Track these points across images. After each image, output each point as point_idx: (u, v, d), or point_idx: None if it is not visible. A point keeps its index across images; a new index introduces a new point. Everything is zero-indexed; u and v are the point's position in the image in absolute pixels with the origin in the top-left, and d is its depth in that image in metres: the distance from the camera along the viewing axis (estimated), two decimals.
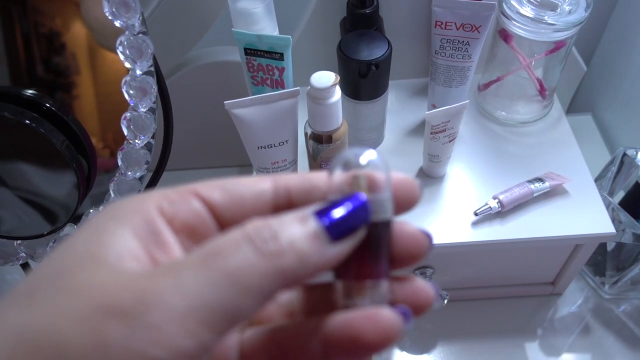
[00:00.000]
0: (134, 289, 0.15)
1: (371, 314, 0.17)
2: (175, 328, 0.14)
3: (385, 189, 0.18)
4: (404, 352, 0.59)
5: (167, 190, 0.18)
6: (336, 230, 0.17)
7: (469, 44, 0.53)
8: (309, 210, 0.17)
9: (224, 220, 0.18)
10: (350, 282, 0.18)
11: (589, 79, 0.76)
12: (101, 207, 0.49)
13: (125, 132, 0.45)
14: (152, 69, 0.45)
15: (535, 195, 0.53)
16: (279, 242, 0.16)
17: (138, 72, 0.44)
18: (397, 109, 0.64)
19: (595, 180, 0.56)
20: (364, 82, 0.51)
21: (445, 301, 0.56)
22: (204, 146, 0.72)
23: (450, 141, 0.52)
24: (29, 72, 0.46)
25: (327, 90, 0.46)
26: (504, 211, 0.52)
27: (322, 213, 0.17)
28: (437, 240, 0.51)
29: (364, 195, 0.18)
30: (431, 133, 0.51)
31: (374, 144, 0.60)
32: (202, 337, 0.15)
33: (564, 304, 0.62)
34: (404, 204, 0.19)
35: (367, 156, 0.19)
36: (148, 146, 0.46)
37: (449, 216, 0.53)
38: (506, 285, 0.61)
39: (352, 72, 0.50)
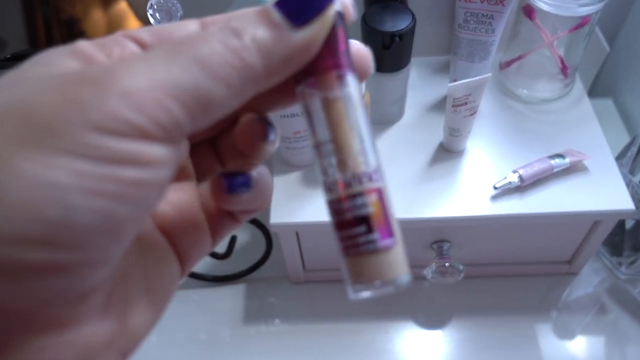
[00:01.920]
0: (101, 66, 0.15)
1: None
2: (147, 95, 0.14)
3: None
4: (418, 325, 0.59)
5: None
6: (299, 15, 0.16)
7: (492, 18, 0.53)
8: (269, 1, 0.16)
9: None
10: (315, 78, 0.17)
11: (612, 60, 0.75)
12: None
13: None
14: None
15: (555, 170, 0.53)
16: (242, 39, 0.15)
17: None
18: (419, 85, 0.64)
19: (616, 160, 0.56)
20: (387, 53, 0.51)
21: (461, 275, 0.57)
22: None
23: (471, 115, 0.52)
24: None
25: None
26: (523, 186, 0.52)
27: (283, 1, 0.16)
28: (457, 213, 0.51)
29: None
30: (453, 106, 0.51)
31: (395, 118, 0.60)
32: (175, 113, 0.14)
33: (579, 284, 0.62)
34: (360, 72, 0.19)
35: None
36: None
37: (468, 190, 0.53)
38: (522, 262, 0.61)
39: (376, 43, 0.51)
